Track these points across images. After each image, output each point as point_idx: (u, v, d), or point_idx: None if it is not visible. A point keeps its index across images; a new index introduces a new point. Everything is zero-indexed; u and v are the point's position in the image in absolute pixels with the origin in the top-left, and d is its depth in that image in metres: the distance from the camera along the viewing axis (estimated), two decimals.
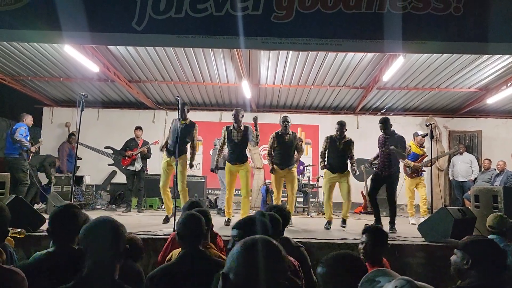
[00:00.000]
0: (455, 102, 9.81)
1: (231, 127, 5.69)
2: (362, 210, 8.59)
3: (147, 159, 7.89)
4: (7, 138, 6.92)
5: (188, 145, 5.68)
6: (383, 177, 5.55)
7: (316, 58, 7.25)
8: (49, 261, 1.81)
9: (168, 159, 5.56)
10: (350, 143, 5.68)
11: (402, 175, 6.79)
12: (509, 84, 7.94)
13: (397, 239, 4.53)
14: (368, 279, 1.35)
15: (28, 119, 6.91)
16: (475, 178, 8.60)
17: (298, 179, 7.81)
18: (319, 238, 4.55)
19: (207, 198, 9.00)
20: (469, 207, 5.24)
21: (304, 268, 2.61)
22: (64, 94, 9.87)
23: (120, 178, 9.39)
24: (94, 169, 9.59)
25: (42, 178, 8.55)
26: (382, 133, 5.66)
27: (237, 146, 5.63)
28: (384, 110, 10.36)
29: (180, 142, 5.28)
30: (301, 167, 8.31)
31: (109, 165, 9.97)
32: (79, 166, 8.45)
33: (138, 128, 7.95)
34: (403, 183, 6.81)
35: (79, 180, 7.87)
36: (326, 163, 5.76)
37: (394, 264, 2.97)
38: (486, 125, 10.25)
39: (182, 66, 7.83)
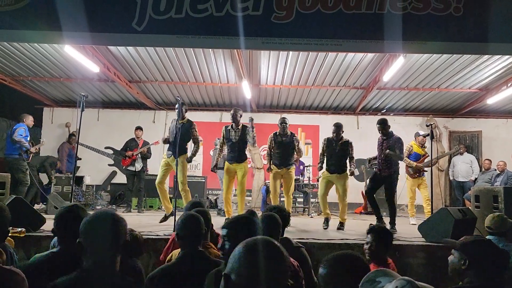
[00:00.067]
0: (455, 103, 9.81)
1: (230, 127, 5.73)
2: (363, 211, 8.59)
3: (147, 159, 7.90)
4: (7, 139, 6.92)
5: (188, 145, 5.69)
6: (383, 177, 5.55)
7: (316, 58, 7.25)
8: (53, 261, 1.81)
9: (168, 158, 5.56)
10: (347, 145, 5.66)
11: (404, 175, 6.83)
12: (509, 84, 7.94)
13: (397, 239, 4.53)
14: (368, 279, 1.35)
15: (29, 120, 6.91)
16: (476, 179, 8.60)
17: (298, 179, 7.84)
18: (320, 238, 4.55)
19: (207, 198, 9.00)
20: (470, 208, 5.23)
21: (305, 268, 2.61)
22: (65, 95, 9.88)
23: (120, 178, 9.39)
24: (94, 169, 9.59)
25: (43, 178, 8.55)
26: (380, 134, 5.66)
27: (234, 146, 5.65)
28: (385, 110, 10.37)
29: (180, 142, 5.29)
30: (301, 167, 8.32)
31: (109, 165, 9.98)
32: (79, 167, 8.45)
33: (138, 128, 7.96)
34: (404, 183, 6.82)
35: (79, 180, 7.87)
36: (324, 164, 5.77)
37: (394, 264, 2.96)
38: (486, 126, 10.26)
39: (182, 67, 7.83)
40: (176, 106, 5.47)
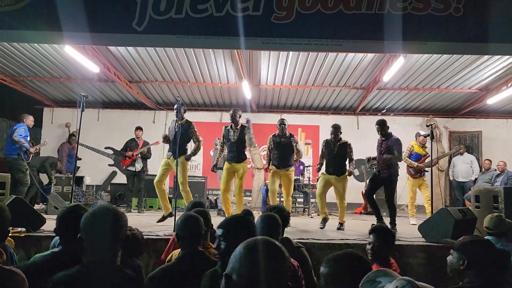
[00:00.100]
0: (455, 103, 9.81)
1: (229, 127, 5.76)
2: (363, 211, 8.59)
3: (147, 160, 7.90)
4: (7, 139, 6.93)
5: (188, 146, 5.68)
6: (382, 178, 5.54)
7: (316, 58, 7.25)
8: (55, 261, 1.82)
9: (168, 159, 5.56)
10: (345, 146, 5.64)
11: (405, 175, 6.83)
12: (509, 85, 7.94)
13: (397, 240, 4.51)
14: (369, 279, 1.35)
15: (29, 120, 6.92)
16: (476, 179, 8.60)
17: (298, 179, 7.85)
18: (320, 238, 4.55)
19: (207, 198, 9.00)
20: (470, 208, 5.23)
21: (305, 268, 2.61)
22: (65, 95, 9.88)
23: (121, 178, 9.39)
24: (94, 169, 9.59)
25: (44, 179, 8.55)
26: (379, 135, 5.65)
27: (233, 146, 5.66)
28: (385, 110, 10.37)
29: (179, 143, 5.27)
30: (301, 167, 8.32)
31: (109, 165, 9.98)
32: (79, 167, 8.45)
33: (139, 128, 7.96)
34: (405, 184, 6.81)
35: (79, 180, 7.87)
36: (323, 166, 5.78)
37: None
38: (486, 126, 10.26)
39: (182, 67, 7.83)
40: (175, 106, 5.47)
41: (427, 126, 5.91)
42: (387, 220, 5.45)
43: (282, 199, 6.60)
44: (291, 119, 10.03)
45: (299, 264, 2.48)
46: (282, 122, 5.90)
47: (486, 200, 5.00)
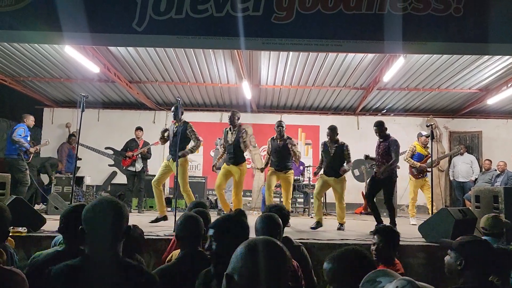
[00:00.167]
0: (455, 103, 9.81)
1: (228, 129, 5.79)
2: (363, 211, 8.58)
3: (148, 160, 7.90)
4: (7, 139, 6.93)
5: (188, 147, 5.67)
6: (381, 180, 5.52)
7: (316, 59, 7.25)
8: (58, 260, 1.82)
9: (167, 161, 5.54)
10: (343, 148, 5.62)
11: (407, 176, 6.83)
12: (509, 85, 7.94)
13: None
14: (369, 279, 1.35)
15: (29, 120, 6.92)
16: (476, 179, 8.60)
17: (298, 179, 7.85)
18: (320, 238, 4.55)
19: (208, 198, 9.00)
20: (470, 208, 5.23)
21: (305, 267, 2.61)
22: (65, 95, 9.88)
23: (121, 178, 9.39)
24: (94, 169, 9.59)
25: (44, 179, 8.55)
26: (377, 136, 5.64)
27: (231, 147, 5.68)
28: (385, 110, 10.37)
29: (179, 145, 5.25)
30: (301, 168, 8.32)
31: (110, 165, 9.98)
32: (79, 167, 8.45)
33: (139, 128, 7.96)
34: (407, 184, 6.80)
35: (79, 180, 7.87)
36: (321, 168, 5.79)
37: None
38: (486, 126, 10.26)
39: (182, 67, 7.84)
40: (172, 109, 5.46)
41: (427, 126, 5.91)
42: (387, 221, 5.45)
43: (281, 200, 6.60)
44: (291, 119, 10.08)
45: (299, 264, 2.48)
46: (279, 125, 5.91)
47: (486, 200, 5.00)
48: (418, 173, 6.64)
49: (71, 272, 1.52)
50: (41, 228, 4.44)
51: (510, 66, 7.23)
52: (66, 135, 9.64)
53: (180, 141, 5.26)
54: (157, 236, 4.35)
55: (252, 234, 1.88)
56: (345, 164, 5.60)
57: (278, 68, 7.77)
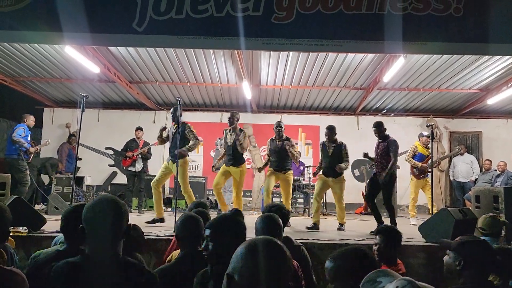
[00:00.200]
0: (455, 103, 9.81)
1: (227, 130, 5.80)
2: (363, 211, 8.57)
3: (148, 160, 7.90)
4: (8, 139, 6.93)
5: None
6: (380, 180, 5.51)
7: (316, 59, 7.25)
8: (59, 259, 1.82)
9: (167, 163, 5.54)
10: (341, 148, 5.61)
11: (408, 176, 6.82)
12: (509, 85, 7.94)
13: None
14: (369, 279, 1.35)
15: (30, 120, 6.91)
16: (476, 179, 8.59)
17: (298, 179, 7.85)
18: (320, 238, 4.55)
19: (208, 198, 9.00)
20: (470, 208, 5.23)
21: (305, 267, 2.61)
22: (65, 95, 9.89)
23: (121, 178, 9.39)
24: (94, 170, 9.60)
25: (45, 179, 8.55)
26: (376, 137, 5.64)
27: (230, 149, 5.69)
28: (385, 111, 10.38)
29: (178, 145, 5.24)
30: (301, 168, 8.32)
31: (110, 165, 9.98)
32: (79, 167, 8.45)
33: (139, 128, 7.96)
34: (408, 185, 6.79)
35: (79, 180, 7.87)
36: (321, 168, 5.79)
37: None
38: (486, 126, 10.26)
39: (182, 67, 7.84)
40: (171, 111, 5.47)
41: (428, 126, 5.90)
42: (387, 221, 5.44)
43: (281, 200, 6.60)
44: (291, 119, 10.09)
45: (299, 264, 2.48)
46: (278, 125, 5.91)
47: (486, 200, 5.00)
48: (420, 174, 6.63)
49: (72, 270, 1.52)
50: (41, 228, 4.44)
51: (510, 66, 7.23)
52: (66, 135, 9.63)
53: (179, 142, 5.26)
54: (157, 236, 4.35)
55: (250, 234, 1.87)
56: (342, 164, 5.59)
57: (278, 68, 7.77)
